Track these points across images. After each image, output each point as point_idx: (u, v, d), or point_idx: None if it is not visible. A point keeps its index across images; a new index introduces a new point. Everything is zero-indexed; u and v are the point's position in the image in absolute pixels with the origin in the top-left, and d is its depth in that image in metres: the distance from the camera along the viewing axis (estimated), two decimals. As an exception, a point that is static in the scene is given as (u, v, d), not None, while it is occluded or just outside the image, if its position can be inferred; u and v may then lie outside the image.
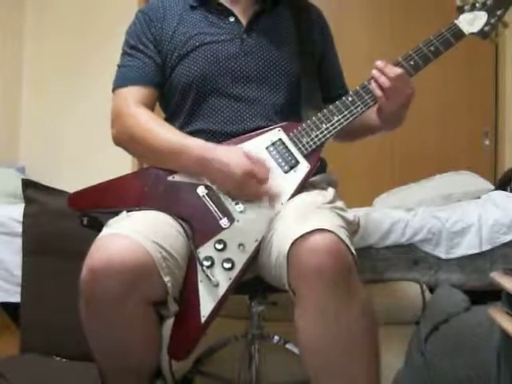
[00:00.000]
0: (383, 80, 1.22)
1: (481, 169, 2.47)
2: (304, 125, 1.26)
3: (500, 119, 2.80)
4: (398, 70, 1.23)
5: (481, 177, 2.20)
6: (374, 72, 1.24)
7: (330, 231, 1.03)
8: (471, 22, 1.30)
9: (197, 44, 1.32)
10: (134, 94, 1.30)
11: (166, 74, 1.34)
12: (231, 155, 1.17)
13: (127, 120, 1.27)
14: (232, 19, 1.35)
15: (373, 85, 1.24)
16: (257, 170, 1.17)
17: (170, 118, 1.37)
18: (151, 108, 1.34)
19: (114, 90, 1.34)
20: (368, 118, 1.37)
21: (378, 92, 1.24)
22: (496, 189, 2.07)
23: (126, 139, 1.29)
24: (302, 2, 1.45)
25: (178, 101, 1.34)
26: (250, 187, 1.17)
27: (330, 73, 1.48)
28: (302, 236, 1.02)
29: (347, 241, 1.05)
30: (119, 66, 1.36)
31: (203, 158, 1.18)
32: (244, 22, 1.35)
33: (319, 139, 1.24)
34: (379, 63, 1.23)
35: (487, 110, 2.83)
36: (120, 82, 1.33)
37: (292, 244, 1.03)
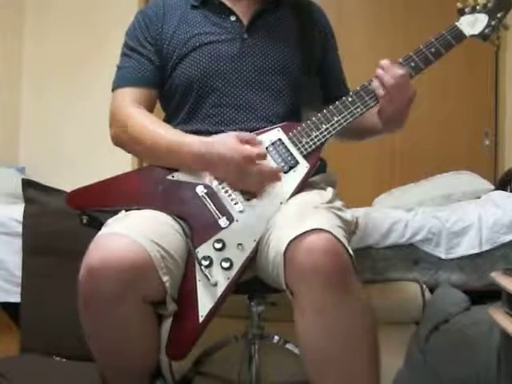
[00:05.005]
0: (388, 78, 1.22)
1: (481, 169, 2.46)
2: (304, 125, 1.25)
3: (500, 119, 2.80)
4: (402, 70, 1.22)
5: (481, 177, 2.20)
6: (379, 71, 1.23)
7: (326, 231, 1.03)
8: (472, 24, 1.30)
9: (197, 44, 1.31)
10: (131, 94, 1.31)
11: (167, 73, 1.34)
12: (227, 145, 1.17)
13: (124, 120, 1.28)
14: (233, 18, 1.35)
15: (375, 83, 1.24)
16: (255, 151, 1.17)
17: (170, 118, 1.37)
18: (150, 108, 1.34)
19: (112, 91, 1.35)
20: (369, 121, 1.37)
21: (381, 91, 1.23)
22: (496, 189, 2.07)
23: (123, 139, 1.30)
24: (303, 0, 1.45)
25: (178, 101, 1.34)
26: (252, 172, 1.17)
27: (331, 72, 1.47)
28: (298, 236, 1.02)
29: (344, 240, 1.05)
30: (118, 68, 1.37)
31: (202, 153, 1.18)
32: (245, 21, 1.34)
33: (319, 139, 1.24)
34: (385, 62, 1.23)
35: (487, 109, 2.83)
36: (118, 83, 1.34)
37: (289, 244, 1.03)
